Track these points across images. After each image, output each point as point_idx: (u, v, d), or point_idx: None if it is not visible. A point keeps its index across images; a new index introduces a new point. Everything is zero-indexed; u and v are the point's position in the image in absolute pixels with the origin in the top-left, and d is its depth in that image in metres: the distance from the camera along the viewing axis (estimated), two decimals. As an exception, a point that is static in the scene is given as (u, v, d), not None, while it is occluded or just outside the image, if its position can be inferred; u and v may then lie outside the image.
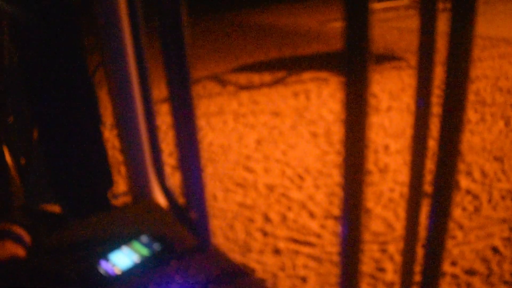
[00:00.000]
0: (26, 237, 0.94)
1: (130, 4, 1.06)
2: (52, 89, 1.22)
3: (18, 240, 0.93)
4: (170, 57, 0.96)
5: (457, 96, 0.60)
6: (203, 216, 1.00)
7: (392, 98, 3.60)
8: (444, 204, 0.67)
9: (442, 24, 0.74)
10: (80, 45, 1.27)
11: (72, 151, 1.26)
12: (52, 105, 1.25)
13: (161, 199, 1.13)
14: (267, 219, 2.18)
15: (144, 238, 0.97)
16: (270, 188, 2.46)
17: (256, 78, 4.65)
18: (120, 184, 2.00)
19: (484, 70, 4.10)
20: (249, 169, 2.70)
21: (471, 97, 3.46)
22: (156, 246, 0.94)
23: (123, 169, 1.67)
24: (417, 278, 0.86)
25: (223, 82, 4.59)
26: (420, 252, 0.86)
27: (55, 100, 1.24)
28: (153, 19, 1.04)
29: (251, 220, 2.19)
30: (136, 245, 0.96)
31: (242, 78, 4.68)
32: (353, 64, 0.52)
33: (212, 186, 2.51)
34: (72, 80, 1.25)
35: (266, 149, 2.96)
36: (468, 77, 0.60)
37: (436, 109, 0.75)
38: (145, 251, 0.94)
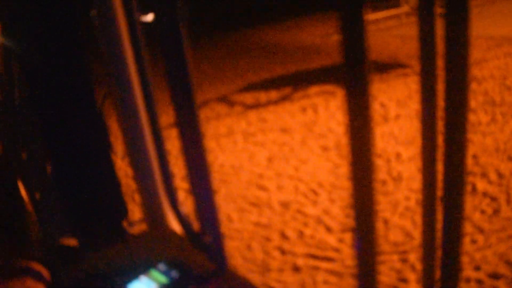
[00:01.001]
0: (45, 273, 0.95)
1: (133, 32, 1.08)
2: (63, 123, 1.24)
3: (37, 276, 0.93)
4: (175, 82, 0.97)
5: (459, 97, 0.60)
6: (218, 240, 0.99)
7: (400, 106, 3.59)
8: (457, 205, 0.66)
9: (441, 29, 0.74)
10: (88, 77, 1.29)
11: (85, 183, 1.27)
12: (63, 139, 1.26)
13: (175, 225, 1.14)
14: (284, 236, 2.17)
15: (162, 265, 0.97)
16: (285, 205, 2.45)
17: (262, 96, 4.67)
18: (136, 212, 2.01)
19: (491, 70, 4.08)
20: (262, 188, 2.70)
21: (479, 98, 3.44)
22: (174, 273, 0.94)
23: (137, 197, 1.68)
24: (439, 285, 0.84)
25: (230, 103, 4.61)
26: (440, 258, 0.84)
27: (66, 134, 1.26)
28: (156, 46, 1.05)
29: (268, 239, 2.17)
30: (154, 273, 0.95)
31: (249, 97, 4.71)
32: (352, 74, 0.53)
33: (226, 207, 2.51)
34: (82, 113, 1.26)
35: (278, 166, 2.96)
36: (468, 78, 0.60)
37: (443, 113, 0.75)
38: (163, 279, 0.94)
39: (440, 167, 0.88)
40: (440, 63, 0.78)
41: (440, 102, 0.82)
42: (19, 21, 1.25)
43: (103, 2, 1.04)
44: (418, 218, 2.12)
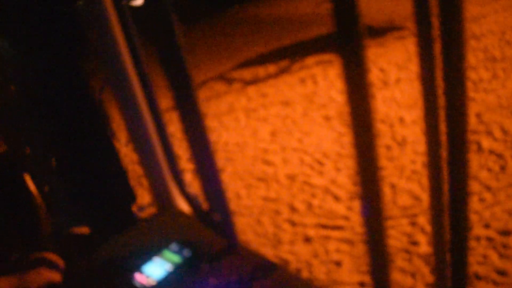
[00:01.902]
0: (60, 262, 0.96)
1: (122, 18, 1.07)
2: (62, 117, 1.24)
3: (52, 266, 0.95)
4: (169, 65, 0.97)
5: (456, 54, 0.59)
6: (227, 217, 1.00)
7: (400, 69, 3.56)
8: (461, 163, 0.66)
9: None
10: (82, 70, 1.28)
11: (91, 172, 1.28)
12: (65, 132, 1.27)
13: (184, 206, 1.15)
14: (293, 209, 2.18)
15: (174, 246, 0.98)
16: (292, 178, 2.46)
17: (261, 71, 4.64)
18: (145, 196, 2.03)
19: (489, 25, 4.02)
20: (268, 162, 2.71)
21: (480, 55, 3.40)
22: (186, 252, 0.95)
23: (145, 181, 1.69)
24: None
25: (229, 80, 4.59)
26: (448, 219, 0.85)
27: (67, 127, 1.26)
28: (147, 30, 1.04)
29: (277, 213, 2.19)
30: (167, 254, 0.97)
31: (247, 73, 4.68)
32: (346, 42, 0.52)
33: (234, 185, 2.53)
34: (80, 105, 1.26)
35: (282, 139, 2.96)
36: (463, 34, 0.59)
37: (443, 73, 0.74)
38: (176, 259, 0.96)
39: (443, 128, 0.87)
40: (436, 23, 0.77)
41: (439, 63, 0.81)
42: (10, 20, 1.24)
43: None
44: (425, 181, 2.13)
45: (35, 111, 1.26)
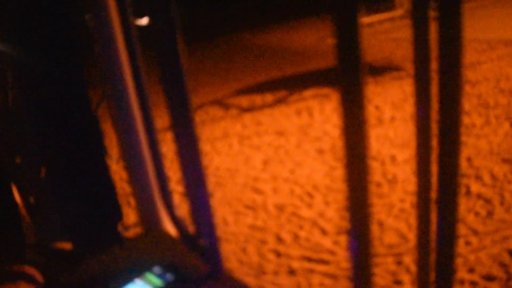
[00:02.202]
0: (39, 277, 0.94)
1: (127, 35, 1.08)
2: (57, 127, 1.23)
3: (31, 280, 0.93)
4: (170, 85, 0.97)
5: (452, 99, 0.60)
6: (213, 243, 0.99)
7: (395, 108, 3.61)
8: (451, 208, 0.67)
9: (435, 32, 0.75)
10: (82, 81, 1.29)
11: (80, 186, 1.27)
12: (58, 142, 1.26)
13: (171, 228, 1.13)
14: (279, 239, 2.17)
15: (157, 269, 0.96)
16: (280, 208, 2.45)
17: (258, 99, 4.68)
18: (131, 216, 2.00)
19: (484, 73, 4.11)
20: (257, 191, 2.70)
21: (474, 100, 3.46)
22: (169, 277, 0.94)
23: (132, 200, 1.68)
24: (434, 287, 0.85)
25: (225, 106, 4.61)
26: (434, 260, 0.85)
27: (60, 137, 1.26)
28: (151, 49, 1.05)
29: (263, 242, 2.17)
30: (149, 276, 0.95)
31: (244, 100, 4.71)
32: (347, 77, 0.53)
33: (222, 211, 2.51)
34: (76, 117, 1.26)
35: (273, 169, 2.96)
36: (461, 80, 0.61)
37: (437, 116, 0.75)
38: (158, 282, 0.94)
39: (434, 169, 0.88)
40: (434, 66, 0.79)
41: (435, 105, 0.83)
42: (12, 24, 1.25)
43: (97, 6, 1.04)
44: (413, 220, 2.13)
45: (30, 119, 1.26)
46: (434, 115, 0.88)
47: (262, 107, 4.36)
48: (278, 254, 2.06)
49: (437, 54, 0.61)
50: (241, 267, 2.04)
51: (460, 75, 0.59)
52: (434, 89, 0.80)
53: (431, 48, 0.83)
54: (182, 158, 0.98)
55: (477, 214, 2.06)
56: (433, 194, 0.87)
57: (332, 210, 2.32)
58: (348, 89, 0.54)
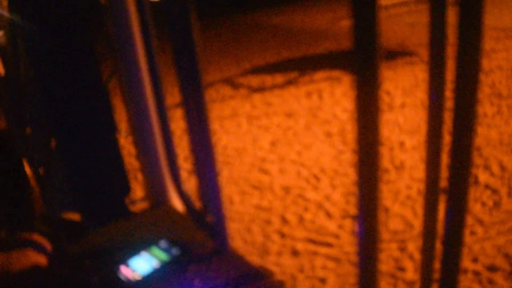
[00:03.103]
0: (47, 246, 0.96)
1: (141, 11, 1.07)
2: (67, 99, 1.24)
3: (39, 248, 0.94)
4: (182, 62, 0.97)
5: (469, 89, 0.60)
6: (220, 219, 1.00)
7: (406, 94, 3.58)
8: (461, 198, 0.66)
9: (453, 18, 0.74)
10: (93, 54, 1.29)
11: (89, 159, 1.27)
12: (68, 115, 1.27)
13: (178, 203, 1.14)
14: (284, 220, 2.18)
15: (163, 243, 0.98)
16: (286, 189, 2.46)
17: (268, 79, 4.65)
18: (137, 190, 2.02)
19: (499, 61, 4.04)
20: (264, 171, 2.70)
21: (486, 90, 3.42)
22: (175, 251, 0.95)
23: (139, 176, 1.69)
24: (437, 275, 0.85)
25: (235, 85, 4.60)
26: (439, 249, 0.85)
27: (71, 110, 1.26)
28: (164, 25, 1.05)
29: (268, 222, 2.19)
30: (155, 250, 0.96)
31: (254, 80, 4.69)
32: (363, 61, 0.52)
33: (228, 189, 2.52)
34: (87, 89, 1.26)
35: (281, 150, 2.96)
36: (479, 69, 0.60)
37: (450, 103, 0.74)
38: (164, 256, 0.95)
39: (444, 158, 0.88)
40: (449, 52, 0.78)
41: (448, 92, 0.82)
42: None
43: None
44: (419, 208, 2.13)
45: (41, 90, 1.26)
46: (447, 103, 0.87)
47: (272, 87, 4.34)
48: (282, 235, 2.07)
49: (456, 40, 0.60)
50: (245, 246, 2.06)
51: (478, 64, 0.58)
52: (449, 76, 0.79)
53: (447, 33, 0.82)
54: (192, 135, 0.98)
55: (484, 204, 2.06)
56: (442, 183, 0.87)
57: (338, 194, 2.33)
58: (363, 72, 0.53)
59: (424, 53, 4.59)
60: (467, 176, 0.65)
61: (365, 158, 0.57)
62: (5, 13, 1.84)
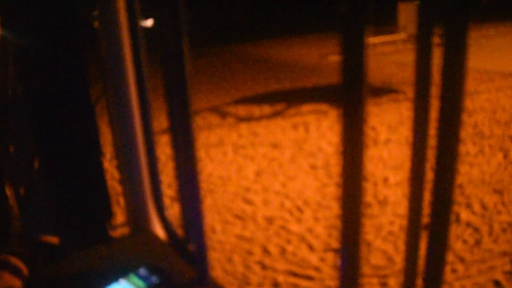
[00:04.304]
0: (23, 269, 0.93)
1: (133, 35, 1.08)
2: (54, 119, 1.23)
3: (15, 271, 0.91)
4: (172, 88, 0.98)
5: (452, 128, 0.61)
6: (202, 249, 0.99)
7: (391, 131, 3.63)
8: (442, 235, 0.67)
9: (438, 58, 0.76)
10: (84, 76, 1.29)
11: (72, 181, 1.26)
12: (54, 135, 1.26)
13: (159, 230, 1.13)
14: (266, 251, 2.16)
15: (142, 271, 0.96)
16: (269, 220, 2.44)
17: (256, 110, 4.69)
18: (118, 215, 1.99)
19: (482, 103, 4.15)
20: (248, 201, 2.69)
21: (469, 129, 3.49)
22: (154, 279, 0.93)
23: (121, 200, 1.67)
24: (418, 312, 0.84)
25: (223, 114, 4.62)
26: (420, 285, 0.85)
27: (57, 130, 1.25)
28: (155, 50, 1.06)
29: (249, 253, 2.17)
30: (134, 278, 0.94)
31: (242, 110, 4.72)
32: (350, 96, 0.53)
33: (211, 218, 2.50)
34: (75, 111, 1.26)
35: (265, 180, 2.96)
36: (462, 109, 0.61)
37: (433, 141, 0.76)
38: (142, 285, 0.93)
39: (427, 195, 0.89)
40: (434, 91, 0.80)
41: (432, 130, 0.84)
42: (18, 16, 1.25)
43: (106, 3, 1.05)
44: (401, 244, 2.13)
45: (28, 109, 1.25)
46: (430, 140, 0.89)
47: (259, 118, 4.37)
48: (263, 267, 2.05)
49: (440, 80, 0.61)
50: (226, 276, 2.03)
51: (461, 104, 0.60)
52: (433, 114, 0.81)
53: (432, 73, 0.84)
54: (178, 162, 0.98)
55: (465, 242, 2.07)
56: (424, 219, 0.87)
57: (321, 227, 2.32)
58: (350, 107, 0.54)
59: (409, 91, 4.69)
60: (448, 214, 0.66)
61: (349, 192, 0.57)
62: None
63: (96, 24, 1.45)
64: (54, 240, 1.25)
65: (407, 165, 0.91)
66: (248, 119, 4.42)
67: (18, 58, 1.30)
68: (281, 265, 2.05)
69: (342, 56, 0.53)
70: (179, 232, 1.13)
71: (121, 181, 1.31)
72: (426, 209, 0.88)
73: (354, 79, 0.53)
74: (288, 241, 2.24)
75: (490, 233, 2.14)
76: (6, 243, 1.18)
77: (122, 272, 0.96)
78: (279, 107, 4.72)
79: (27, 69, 1.21)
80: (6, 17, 1.40)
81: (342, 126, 0.56)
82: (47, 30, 1.22)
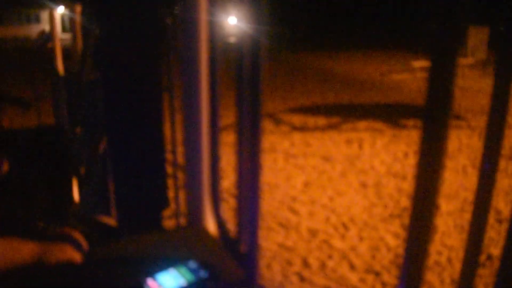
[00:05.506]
0: (84, 244, 0.98)
1: (211, 37, 1.11)
2: (125, 108, 1.28)
3: (76, 245, 0.96)
4: (244, 91, 1.00)
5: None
6: (254, 251, 1.00)
7: (448, 158, 3.51)
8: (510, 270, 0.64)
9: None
10: (158, 69, 1.34)
11: (135, 169, 1.31)
12: (125, 122, 1.31)
13: (212, 226, 1.15)
14: (305, 264, 2.14)
15: (192, 263, 0.97)
16: (313, 232, 2.42)
17: (310, 120, 4.67)
18: (172, 207, 2.04)
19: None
20: (293, 211, 2.68)
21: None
22: (203, 274, 0.94)
23: (171, 193, 1.71)
24: None
25: (277, 121, 4.63)
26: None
27: (128, 118, 1.30)
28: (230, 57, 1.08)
29: (289, 263, 2.16)
30: (184, 269, 0.96)
31: (297, 119, 4.72)
32: (432, 117, 0.53)
33: (255, 222, 2.51)
34: (145, 102, 1.31)
35: (313, 192, 2.94)
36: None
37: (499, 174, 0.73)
38: (191, 277, 0.95)
39: (487, 227, 0.85)
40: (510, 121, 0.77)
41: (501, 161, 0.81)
42: (101, 5, 1.31)
43: (188, 2, 1.08)
44: (447, 276, 2.05)
45: (104, 95, 1.31)
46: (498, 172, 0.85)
47: (314, 129, 4.35)
48: (302, 278, 2.03)
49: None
50: (263, 282, 2.03)
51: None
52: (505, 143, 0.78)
53: (508, 102, 0.81)
54: (241, 163, 0.99)
55: None
56: (482, 257, 0.84)
57: (365, 246, 2.28)
58: (432, 129, 0.53)
59: (472, 119, 4.52)
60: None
61: (420, 213, 0.57)
62: (78, 18, 1.94)
63: (169, 20, 1.50)
64: (111, 221, 1.30)
65: (461, 194, 0.89)
66: (302, 128, 4.41)
67: (98, 47, 1.36)
68: (320, 280, 2.03)
69: (430, 74, 0.53)
70: (232, 231, 1.14)
71: (184, 175, 1.33)
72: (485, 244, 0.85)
73: (441, 99, 0.52)
74: (330, 257, 2.21)
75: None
76: (64, 218, 1.24)
77: (173, 262, 0.98)
78: (335, 120, 4.68)
79: (107, 57, 1.27)
80: (87, 10, 1.48)
81: (421, 146, 0.55)
82: (129, 20, 1.27)
